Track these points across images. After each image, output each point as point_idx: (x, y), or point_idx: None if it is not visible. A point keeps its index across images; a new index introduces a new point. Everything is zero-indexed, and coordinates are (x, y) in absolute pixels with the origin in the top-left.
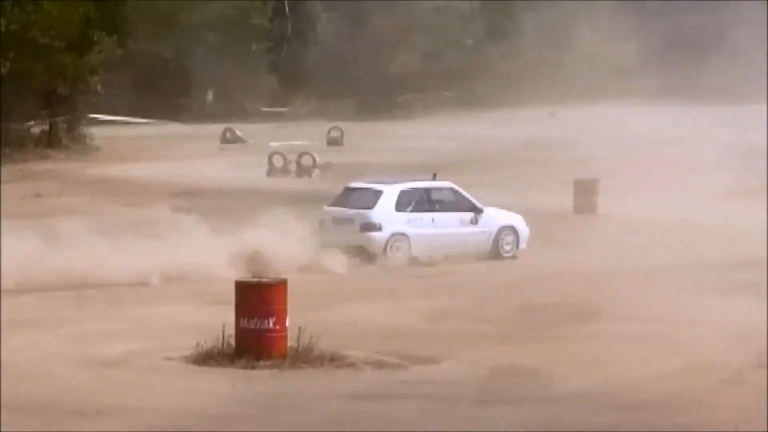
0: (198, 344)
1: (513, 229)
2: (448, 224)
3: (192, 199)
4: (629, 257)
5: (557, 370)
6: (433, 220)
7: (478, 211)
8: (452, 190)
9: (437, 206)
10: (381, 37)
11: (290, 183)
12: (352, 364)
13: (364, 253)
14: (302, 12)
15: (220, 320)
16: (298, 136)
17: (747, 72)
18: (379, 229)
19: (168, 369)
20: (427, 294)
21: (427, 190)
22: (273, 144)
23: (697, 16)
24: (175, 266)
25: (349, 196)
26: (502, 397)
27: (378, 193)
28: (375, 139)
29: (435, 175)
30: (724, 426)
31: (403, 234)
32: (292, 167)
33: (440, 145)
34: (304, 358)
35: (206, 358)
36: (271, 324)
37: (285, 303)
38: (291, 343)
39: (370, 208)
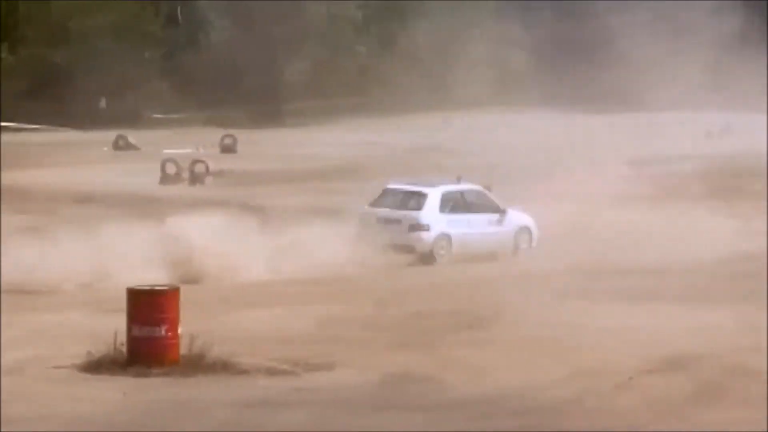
0: (89, 352)
1: (528, 229)
2: (480, 225)
3: (83, 206)
4: (524, 263)
5: (450, 376)
6: (468, 221)
7: (502, 212)
8: (479, 192)
9: (471, 208)
10: (274, 45)
11: (183, 190)
12: (244, 372)
13: (411, 252)
14: (195, 19)
15: (114, 328)
16: (192, 143)
17: (634, 79)
18: (428, 229)
19: (59, 377)
20: (323, 300)
21: (462, 193)
22: (166, 151)
23: (586, 23)
24: (65, 272)
25: (390, 197)
26: (395, 403)
27: (423, 196)
28: (268, 147)
29: (459, 178)
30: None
31: (446, 234)
32: (186, 175)
33: (333, 152)
34: (197, 365)
35: (98, 365)
36: (163, 331)
37: (177, 310)
38: (183, 350)
39: (419, 209)
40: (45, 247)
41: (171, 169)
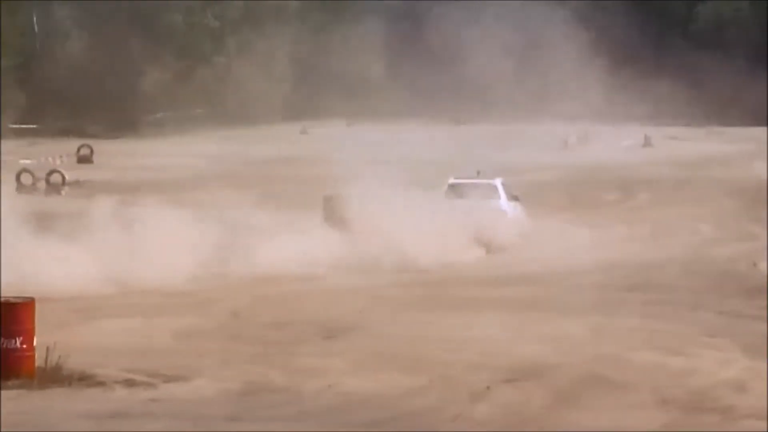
0: None
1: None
2: (517, 209)
3: None
4: (379, 274)
5: (305, 386)
6: (515, 206)
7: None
8: (503, 183)
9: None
10: (132, 55)
11: (40, 201)
12: (101, 383)
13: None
14: (51, 28)
15: None
16: (48, 153)
17: (489, 91)
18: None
19: None
20: (179, 312)
21: (505, 184)
22: (22, 162)
23: (442, 34)
24: None
25: (462, 190)
26: (252, 414)
27: (495, 187)
28: (125, 157)
29: (479, 172)
30: None
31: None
32: (41, 185)
33: (189, 162)
34: (53, 377)
35: None
36: (18, 343)
37: (33, 322)
38: (39, 362)
39: (498, 198)
40: None
41: (27, 179)
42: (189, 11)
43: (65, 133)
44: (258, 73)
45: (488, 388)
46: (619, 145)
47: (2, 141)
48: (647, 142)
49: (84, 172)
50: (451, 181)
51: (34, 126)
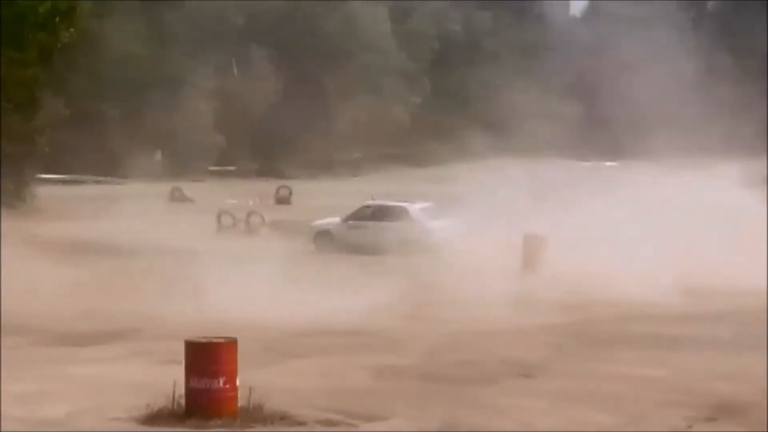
0: (148, 404)
1: None
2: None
3: (135, 257)
4: (569, 311)
5: (502, 426)
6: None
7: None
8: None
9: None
10: (327, 96)
11: (238, 242)
12: (302, 423)
13: None
14: (248, 71)
15: (172, 379)
16: (247, 194)
17: None
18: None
19: (116, 429)
20: (374, 351)
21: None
22: (226, 202)
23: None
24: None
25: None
26: None
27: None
28: (321, 197)
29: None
30: None
31: None
32: (241, 226)
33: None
34: (255, 417)
35: (156, 417)
36: (221, 383)
37: (235, 362)
38: (241, 402)
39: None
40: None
41: (227, 220)
42: (384, 53)
43: (262, 174)
44: (454, 114)
45: (690, 427)
46: None
47: (202, 182)
48: None
49: (282, 213)
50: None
51: (232, 168)
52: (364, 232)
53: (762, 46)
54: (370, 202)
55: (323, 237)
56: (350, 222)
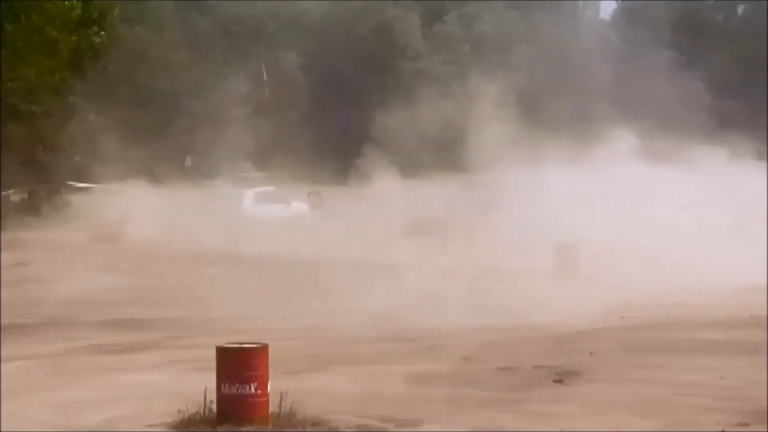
0: (180, 410)
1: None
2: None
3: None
4: (603, 316)
5: (537, 431)
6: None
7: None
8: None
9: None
10: (360, 101)
11: None
12: (334, 428)
13: None
14: (279, 76)
15: (204, 386)
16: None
17: None
18: None
19: None
20: (409, 356)
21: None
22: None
23: None
24: None
25: None
26: None
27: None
28: (356, 201)
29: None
30: None
31: None
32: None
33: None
34: (287, 423)
35: (189, 424)
36: (252, 389)
37: (266, 368)
38: (273, 408)
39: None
40: None
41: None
42: (417, 57)
43: (295, 179)
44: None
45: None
46: None
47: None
48: None
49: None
50: None
51: (262, 173)
52: None
53: None
54: None
55: None
56: None
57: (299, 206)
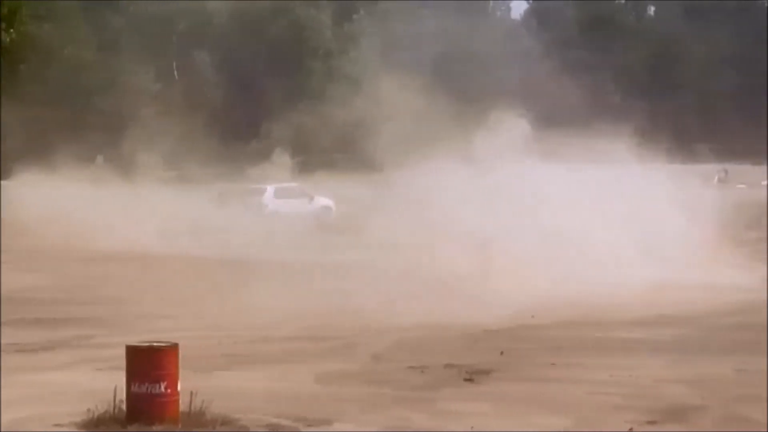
0: (89, 410)
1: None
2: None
3: None
4: (519, 315)
5: (448, 429)
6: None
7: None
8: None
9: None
10: (270, 100)
11: None
12: (244, 427)
13: None
14: (190, 75)
15: (114, 385)
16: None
17: None
18: None
19: None
20: (320, 356)
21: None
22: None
23: None
24: None
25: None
26: None
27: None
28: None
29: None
30: None
31: None
32: None
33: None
34: (197, 422)
35: (98, 423)
36: (162, 388)
37: (177, 367)
38: (183, 407)
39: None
40: None
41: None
42: (328, 56)
43: (205, 179)
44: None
45: (631, 429)
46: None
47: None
48: None
49: None
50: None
51: (171, 173)
52: None
53: None
54: None
55: None
56: None
57: (324, 201)
